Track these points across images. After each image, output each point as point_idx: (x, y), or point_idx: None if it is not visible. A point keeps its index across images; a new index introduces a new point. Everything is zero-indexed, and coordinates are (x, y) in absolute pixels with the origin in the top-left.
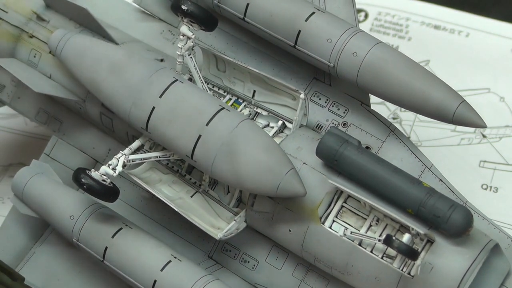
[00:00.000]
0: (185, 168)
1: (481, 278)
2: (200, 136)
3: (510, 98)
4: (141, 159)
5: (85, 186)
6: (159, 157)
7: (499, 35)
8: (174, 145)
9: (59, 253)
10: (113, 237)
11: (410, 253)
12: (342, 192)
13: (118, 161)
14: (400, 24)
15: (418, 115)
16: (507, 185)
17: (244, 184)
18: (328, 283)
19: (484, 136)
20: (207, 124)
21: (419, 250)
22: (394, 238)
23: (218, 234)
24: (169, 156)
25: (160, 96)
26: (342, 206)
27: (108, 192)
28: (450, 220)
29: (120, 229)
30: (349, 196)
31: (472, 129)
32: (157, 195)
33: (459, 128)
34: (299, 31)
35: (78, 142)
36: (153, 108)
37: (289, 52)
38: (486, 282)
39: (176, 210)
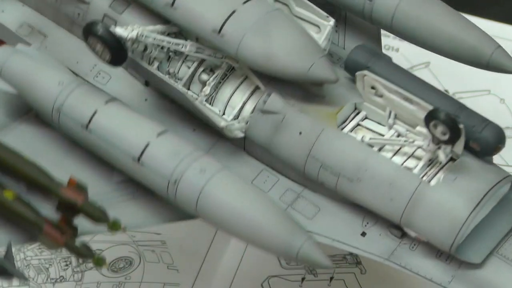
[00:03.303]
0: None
1: (498, 210)
2: (234, 11)
3: (510, 100)
4: (154, 38)
5: (99, 32)
6: (172, 43)
7: (499, 36)
8: (201, 19)
9: (36, 133)
10: (106, 103)
11: (455, 130)
12: (359, 112)
13: (133, 29)
14: None
15: None
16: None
17: (274, 62)
18: (319, 211)
19: None
20: (243, 3)
21: (443, 164)
22: (439, 109)
23: (221, 122)
24: (182, 47)
25: None
26: (358, 124)
27: (120, 46)
28: (484, 131)
29: (117, 99)
30: (366, 117)
31: None
32: (162, 77)
33: None
34: None
35: (61, 56)
36: None
37: None
38: (502, 216)
39: (179, 90)
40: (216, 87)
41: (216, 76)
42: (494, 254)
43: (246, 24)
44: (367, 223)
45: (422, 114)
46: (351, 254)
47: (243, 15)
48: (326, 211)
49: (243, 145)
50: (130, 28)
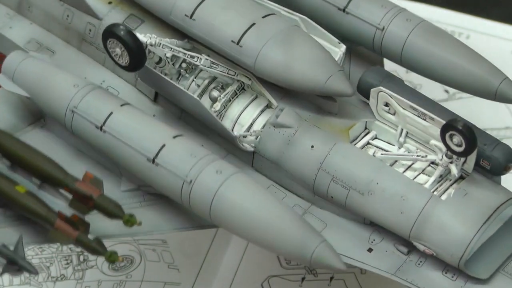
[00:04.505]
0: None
1: (505, 230)
2: (253, 23)
3: None
4: (171, 48)
5: (121, 33)
6: (187, 55)
7: (499, 37)
8: (221, 30)
9: (43, 141)
10: (122, 106)
11: (472, 140)
12: (369, 132)
13: (151, 37)
14: None
15: None
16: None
17: (292, 72)
18: (326, 227)
19: None
20: (263, 17)
21: (453, 181)
22: (458, 119)
23: (234, 132)
24: (197, 60)
25: None
26: (368, 143)
27: (140, 50)
28: (495, 150)
29: (131, 105)
30: (375, 137)
31: None
32: (176, 85)
33: None
34: None
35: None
36: None
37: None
38: (509, 235)
39: (193, 98)
40: (226, 105)
41: (227, 93)
42: (500, 271)
43: (265, 35)
44: (374, 240)
45: (436, 130)
46: None
47: (262, 27)
48: (333, 227)
49: (251, 161)
50: (148, 35)
